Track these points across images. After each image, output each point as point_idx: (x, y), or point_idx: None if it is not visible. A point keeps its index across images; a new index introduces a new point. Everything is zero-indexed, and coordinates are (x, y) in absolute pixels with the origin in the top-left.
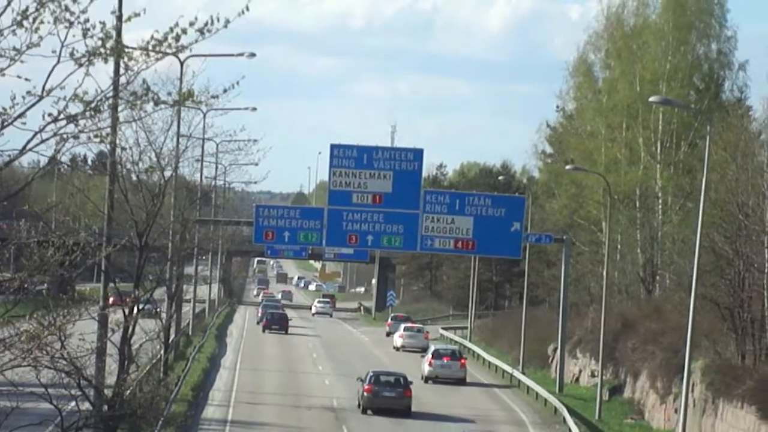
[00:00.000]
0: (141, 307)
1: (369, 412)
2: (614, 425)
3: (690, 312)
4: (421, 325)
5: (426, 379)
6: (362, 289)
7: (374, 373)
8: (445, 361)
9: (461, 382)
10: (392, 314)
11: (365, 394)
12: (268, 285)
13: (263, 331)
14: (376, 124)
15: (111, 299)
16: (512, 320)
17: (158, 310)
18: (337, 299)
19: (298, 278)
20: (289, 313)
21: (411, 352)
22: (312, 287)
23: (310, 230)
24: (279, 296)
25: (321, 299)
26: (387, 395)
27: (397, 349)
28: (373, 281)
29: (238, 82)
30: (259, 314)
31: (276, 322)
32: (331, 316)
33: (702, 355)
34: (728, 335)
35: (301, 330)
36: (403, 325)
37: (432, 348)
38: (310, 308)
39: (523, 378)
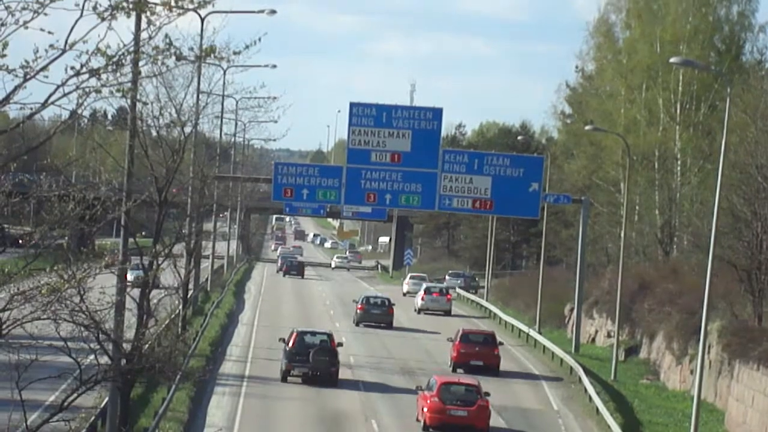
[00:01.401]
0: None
1: (361, 325)
2: (630, 385)
3: (707, 273)
4: (424, 274)
5: (419, 311)
6: (369, 247)
7: (365, 297)
8: (435, 296)
9: (447, 313)
10: (450, 272)
11: (358, 311)
12: (286, 242)
13: (283, 276)
14: (396, 83)
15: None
16: (529, 280)
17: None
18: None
19: (314, 235)
20: None
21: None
22: (327, 244)
23: (328, 188)
24: (291, 251)
25: (340, 255)
26: (374, 312)
27: (404, 294)
28: (380, 239)
29: (259, 39)
30: (279, 264)
31: (294, 268)
32: (348, 270)
33: (719, 317)
34: (745, 297)
35: (317, 286)
36: (409, 275)
37: (424, 285)
38: (329, 265)
39: (539, 337)
